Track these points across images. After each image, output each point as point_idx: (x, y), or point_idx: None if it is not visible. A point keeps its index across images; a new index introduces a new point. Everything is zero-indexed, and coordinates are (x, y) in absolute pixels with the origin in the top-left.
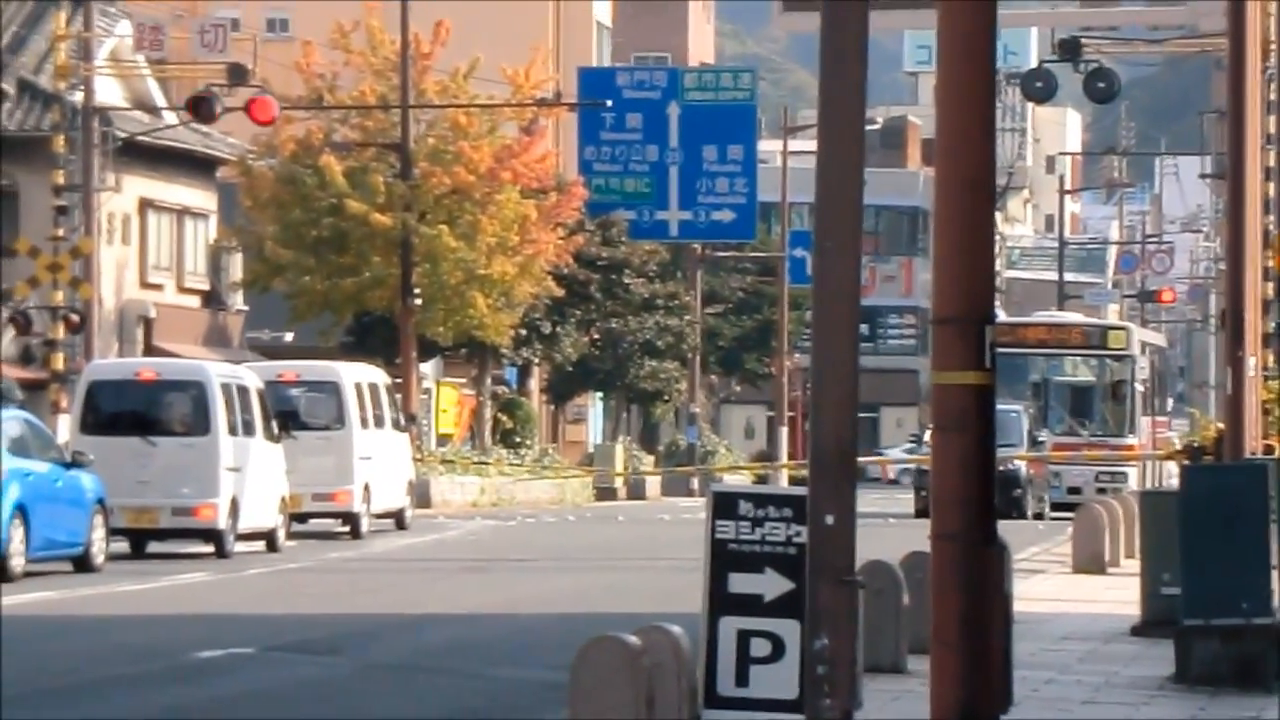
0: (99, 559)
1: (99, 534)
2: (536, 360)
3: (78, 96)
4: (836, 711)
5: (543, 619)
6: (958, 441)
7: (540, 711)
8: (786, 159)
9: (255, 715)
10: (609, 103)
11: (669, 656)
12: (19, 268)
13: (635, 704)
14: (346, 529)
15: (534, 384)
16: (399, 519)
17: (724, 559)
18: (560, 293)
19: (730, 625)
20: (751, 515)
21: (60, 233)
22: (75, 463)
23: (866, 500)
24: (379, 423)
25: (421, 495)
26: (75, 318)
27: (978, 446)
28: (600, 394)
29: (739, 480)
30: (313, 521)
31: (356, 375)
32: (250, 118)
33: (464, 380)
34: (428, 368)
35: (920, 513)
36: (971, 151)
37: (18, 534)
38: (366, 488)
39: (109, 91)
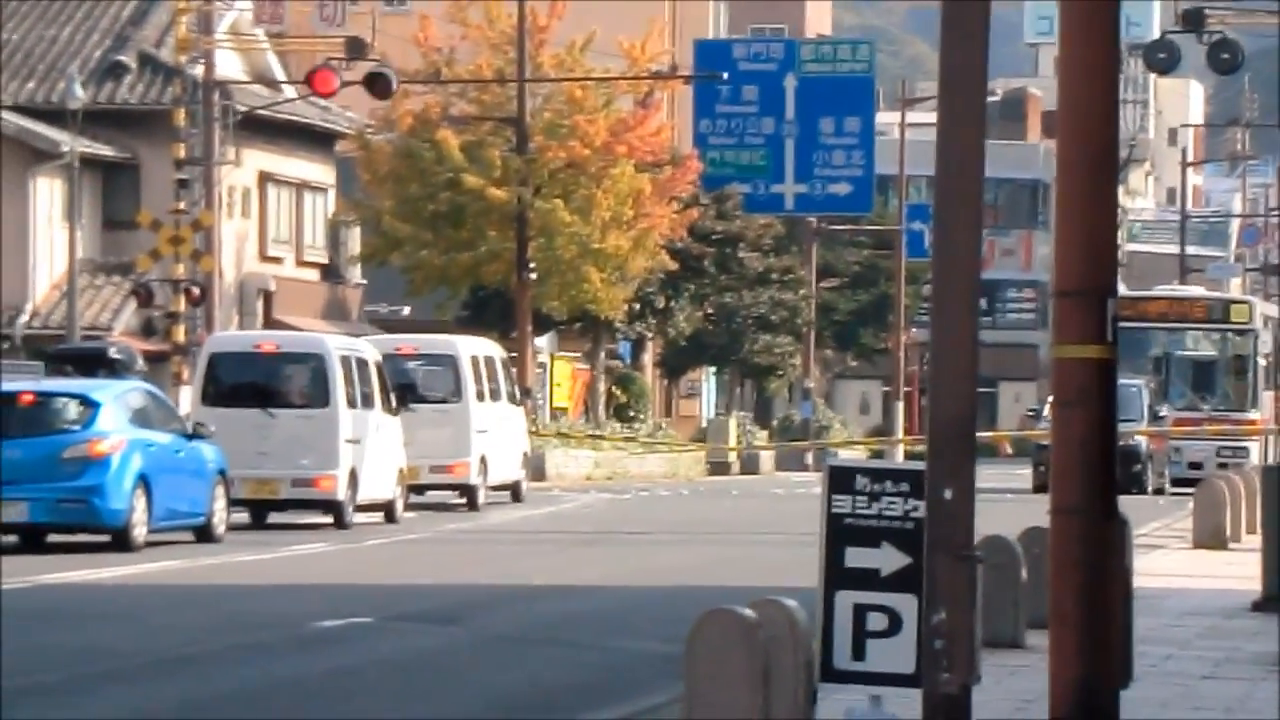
0: (220, 529)
1: (220, 504)
2: (650, 334)
3: (198, 70)
4: (954, 686)
5: (657, 592)
6: (1078, 416)
7: (656, 683)
8: (904, 131)
9: (375, 684)
10: (725, 75)
11: (785, 630)
12: (141, 241)
13: (751, 677)
14: (463, 501)
15: (647, 358)
16: (515, 491)
17: (840, 533)
18: (674, 267)
19: (847, 599)
20: (868, 490)
21: (181, 206)
22: (196, 434)
23: (984, 475)
24: (495, 396)
25: (536, 468)
26: (196, 290)
27: (1098, 421)
28: (714, 368)
29: (854, 455)
30: (430, 493)
31: (473, 349)
32: (368, 92)
33: (578, 354)
34: (542, 342)
35: (1038, 488)
36: (1094, 123)
37: (140, 504)
38: (483, 460)
39: (229, 65)
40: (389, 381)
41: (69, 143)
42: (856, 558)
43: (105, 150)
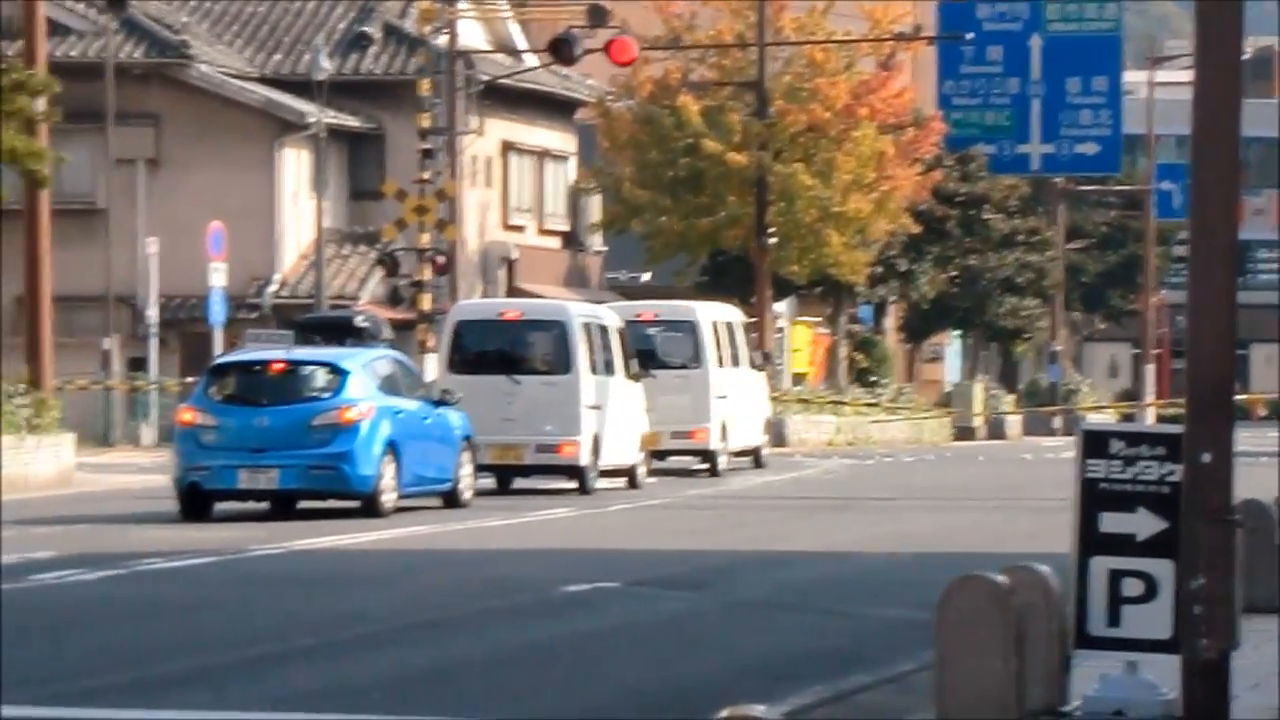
0: (466, 495)
1: (466, 470)
2: (893, 298)
3: (442, 40)
4: (1213, 651)
5: (904, 558)
6: None
7: (905, 650)
8: (1153, 90)
9: (623, 648)
10: (969, 36)
11: (1038, 596)
12: (386, 210)
13: (1004, 644)
14: (705, 466)
15: (890, 322)
16: (756, 457)
17: (1095, 498)
18: (917, 229)
19: (1101, 565)
20: (1123, 454)
21: (426, 176)
22: (443, 401)
23: (1238, 438)
24: (735, 361)
25: (777, 434)
26: (441, 259)
27: None
28: (958, 332)
29: (1103, 419)
30: (671, 459)
31: (713, 314)
32: (610, 59)
33: (818, 319)
34: (782, 306)
35: None
36: None
37: (389, 470)
38: (724, 426)
39: (472, 34)
40: (630, 348)
41: (315, 114)
42: (1111, 523)
43: (350, 121)
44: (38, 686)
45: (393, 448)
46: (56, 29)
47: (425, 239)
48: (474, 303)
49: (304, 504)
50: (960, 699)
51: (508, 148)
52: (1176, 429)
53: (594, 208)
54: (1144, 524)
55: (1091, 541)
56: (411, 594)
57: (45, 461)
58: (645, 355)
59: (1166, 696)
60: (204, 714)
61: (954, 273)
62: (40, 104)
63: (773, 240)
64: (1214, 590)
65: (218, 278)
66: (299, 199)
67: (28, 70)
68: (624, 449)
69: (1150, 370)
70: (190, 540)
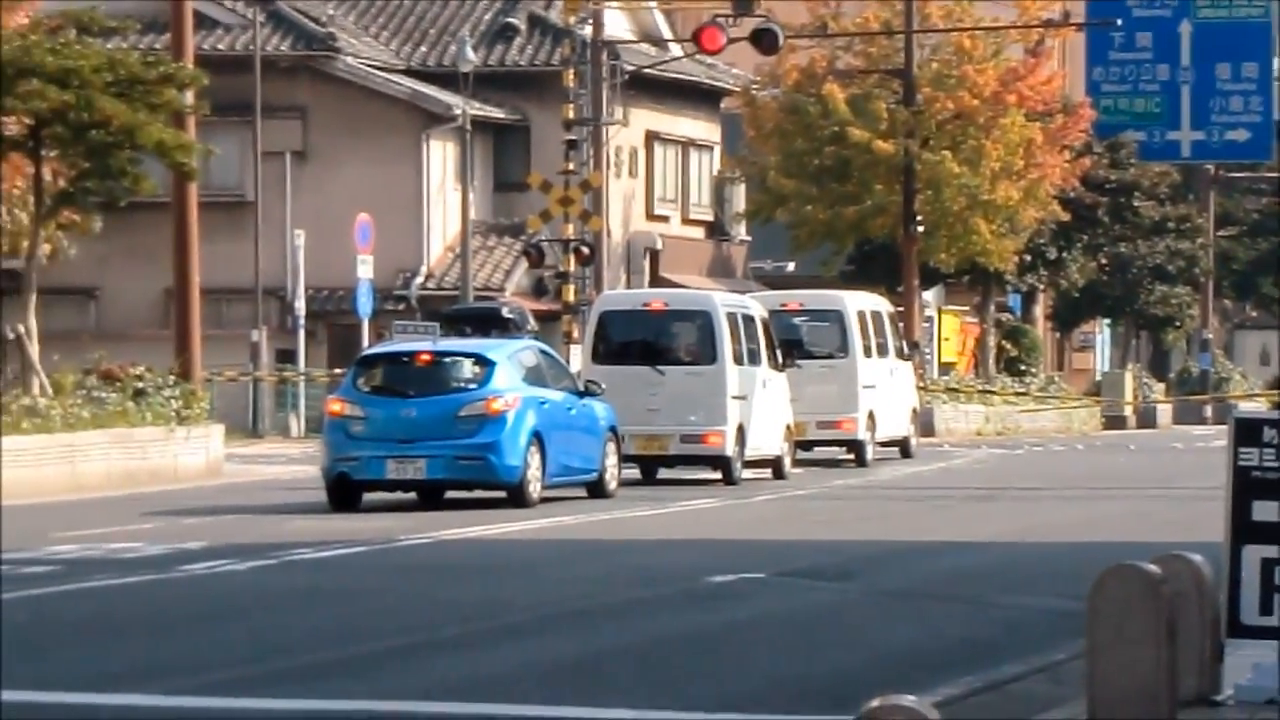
0: (612, 485)
1: (611, 460)
2: (1042, 286)
3: (587, 30)
4: None
5: (1054, 547)
6: None
7: (1056, 640)
8: None
9: (770, 638)
10: (1118, 22)
11: (1190, 585)
12: (531, 202)
13: (1155, 633)
14: (851, 457)
15: (1039, 311)
16: (903, 447)
17: (1247, 487)
18: (1066, 217)
19: (1254, 554)
20: (1276, 442)
21: (570, 166)
22: (588, 391)
23: None
24: (882, 351)
25: (925, 424)
26: (586, 250)
27: None
28: (1108, 320)
29: (1255, 407)
30: (818, 449)
31: (859, 303)
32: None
33: (966, 308)
34: (930, 295)
35: None
36: None
37: (534, 460)
38: (870, 415)
39: (616, 24)
40: (775, 338)
41: (461, 105)
42: (1264, 511)
43: (496, 112)
44: (189, 676)
45: (538, 438)
46: (204, 22)
47: (570, 230)
48: (618, 293)
49: (451, 494)
50: (1112, 688)
51: (652, 138)
52: None
53: (739, 197)
54: None
55: (1244, 530)
56: (558, 584)
57: (194, 453)
58: (791, 345)
59: None
60: (354, 703)
61: (1104, 260)
62: (188, 97)
63: (920, 229)
64: None
65: (365, 270)
66: (445, 191)
67: (175, 63)
68: (769, 439)
69: None
70: (339, 530)
